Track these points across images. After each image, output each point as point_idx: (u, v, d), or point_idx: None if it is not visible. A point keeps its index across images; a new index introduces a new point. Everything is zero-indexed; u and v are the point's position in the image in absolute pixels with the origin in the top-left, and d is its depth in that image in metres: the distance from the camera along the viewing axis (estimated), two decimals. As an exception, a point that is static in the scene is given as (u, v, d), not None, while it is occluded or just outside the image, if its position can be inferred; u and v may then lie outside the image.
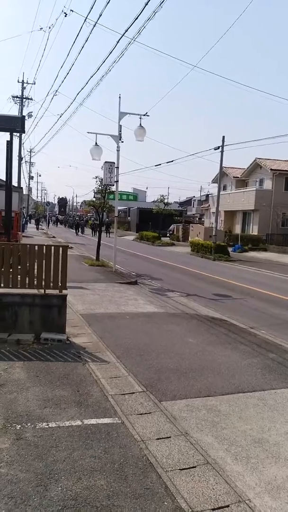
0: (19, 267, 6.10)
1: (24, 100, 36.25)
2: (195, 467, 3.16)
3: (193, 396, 4.49)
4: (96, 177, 16.43)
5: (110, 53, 13.07)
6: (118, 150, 14.04)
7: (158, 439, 3.52)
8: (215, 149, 24.47)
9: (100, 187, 16.34)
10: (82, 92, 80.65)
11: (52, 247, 6.25)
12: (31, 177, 62.08)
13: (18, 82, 36.03)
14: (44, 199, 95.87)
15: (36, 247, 6.24)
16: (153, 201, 50.69)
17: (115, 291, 10.64)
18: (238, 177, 37.98)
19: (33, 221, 50.52)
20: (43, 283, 6.12)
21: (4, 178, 11.71)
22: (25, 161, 51.79)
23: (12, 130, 9.70)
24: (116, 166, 14.22)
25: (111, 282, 11.99)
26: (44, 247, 6.21)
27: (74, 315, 7.49)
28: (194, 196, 75.17)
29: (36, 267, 6.14)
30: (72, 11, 15.36)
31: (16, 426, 3.58)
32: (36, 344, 5.79)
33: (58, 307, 6.17)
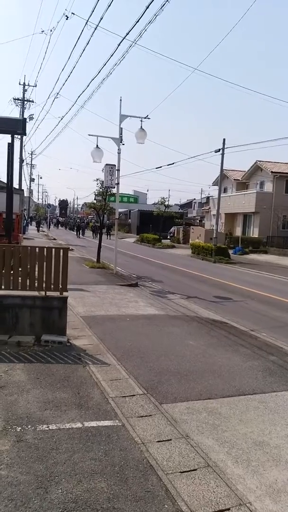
0: (20, 269, 6.11)
1: (25, 102, 36.34)
2: (195, 470, 3.15)
3: (194, 398, 4.48)
4: (97, 179, 16.51)
5: (111, 55, 13.11)
6: (119, 153, 14.08)
7: (158, 441, 3.52)
8: (215, 152, 24.51)
9: (101, 189, 16.38)
10: (83, 94, 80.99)
11: (53, 249, 6.25)
12: (32, 179, 62.30)
13: (20, 84, 36.14)
14: (45, 201, 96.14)
15: (37, 249, 6.25)
16: (153, 204, 50.71)
17: (116, 293, 10.63)
18: (238, 180, 38.04)
19: (34, 223, 50.58)
20: (44, 285, 6.13)
21: (5, 180, 11.74)
22: (26, 163, 52.00)
23: (13, 133, 9.71)
24: (117, 168, 14.24)
25: (112, 284, 11.99)
26: (45, 249, 6.21)
27: (74, 317, 7.49)
28: (194, 199, 75.31)
29: (36, 269, 6.15)
30: (74, 14, 15.42)
31: (16, 428, 3.58)
32: (36, 346, 5.79)
33: (58, 309, 6.17)
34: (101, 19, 11.55)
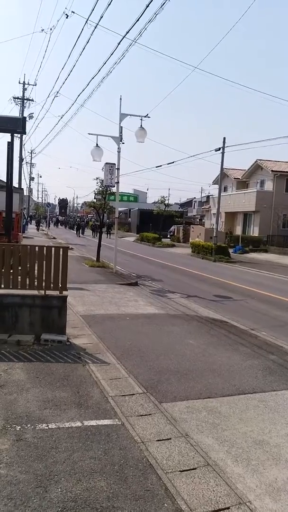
0: (20, 268, 6.10)
1: (25, 101, 36.35)
2: (195, 468, 3.14)
3: (194, 397, 4.48)
4: (97, 178, 16.51)
5: (112, 54, 13.10)
6: (119, 152, 14.07)
7: (158, 440, 3.51)
8: (216, 151, 24.52)
9: (100, 188, 16.38)
10: (83, 93, 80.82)
11: (53, 248, 6.25)
12: (31, 178, 62.24)
13: (19, 83, 36.16)
14: (45, 200, 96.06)
15: (37, 248, 6.24)
16: (153, 202, 50.75)
17: (116, 292, 10.63)
18: (239, 179, 38.01)
19: (33, 222, 50.55)
20: (44, 284, 6.12)
21: (5, 179, 11.72)
22: (26, 162, 51.96)
23: (13, 131, 9.69)
24: (116, 167, 14.23)
25: (112, 283, 11.99)
26: (45, 248, 6.21)
27: (74, 316, 7.48)
28: (194, 197, 75.19)
29: (36, 268, 6.14)
30: (74, 12, 15.42)
31: (16, 427, 3.57)
32: (36, 345, 5.78)
33: (58, 308, 6.17)
34: (101, 17, 11.54)
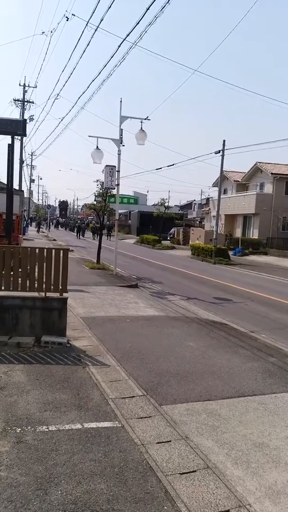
0: (20, 270, 6.11)
1: (25, 103, 36.33)
2: (195, 471, 3.15)
3: (194, 400, 4.48)
4: (97, 180, 16.54)
5: (112, 57, 13.12)
6: (119, 154, 14.09)
7: (158, 443, 3.52)
8: (215, 153, 24.50)
9: (101, 191, 16.40)
10: (84, 96, 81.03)
11: (53, 250, 6.26)
12: (32, 180, 62.30)
13: (20, 85, 36.13)
14: (45, 202, 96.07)
15: (37, 250, 6.25)
16: (153, 205, 50.71)
17: (116, 294, 10.64)
18: (238, 181, 38.06)
19: (34, 224, 50.58)
20: (44, 286, 6.13)
21: (5, 181, 11.75)
22: (26, 164, 52.03)
23: (14, 133, 9.71)
24: (117, 169, 14.25)
25: (112, 285, 11.99)
26: (45, 250, 6.22)
27: (74, 318, 7.49)
28: (194, 200, 75.29)
29: (36, 270, 6.15)
30: (74, 15, 15.46)
31: (16, 429, 3.58)
32: (36, 347, 5.79)
33: (58, 310, 6.17)
34: (102, 20, 11.58)
